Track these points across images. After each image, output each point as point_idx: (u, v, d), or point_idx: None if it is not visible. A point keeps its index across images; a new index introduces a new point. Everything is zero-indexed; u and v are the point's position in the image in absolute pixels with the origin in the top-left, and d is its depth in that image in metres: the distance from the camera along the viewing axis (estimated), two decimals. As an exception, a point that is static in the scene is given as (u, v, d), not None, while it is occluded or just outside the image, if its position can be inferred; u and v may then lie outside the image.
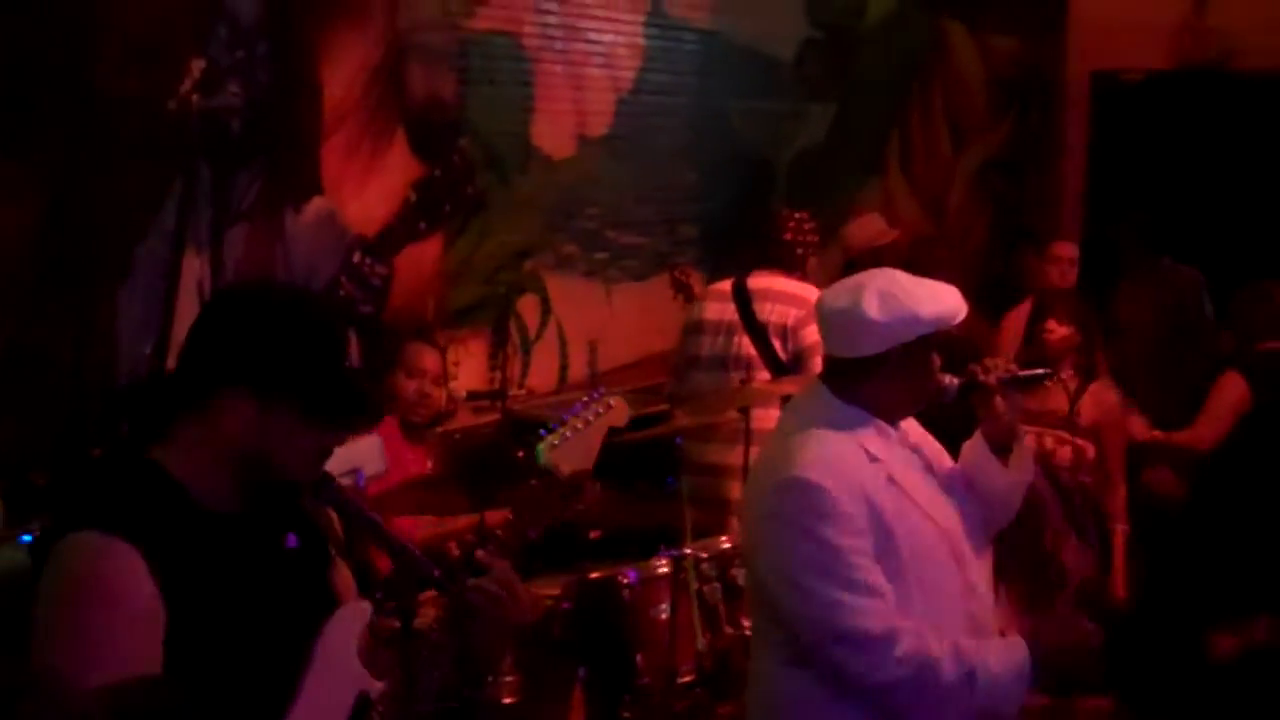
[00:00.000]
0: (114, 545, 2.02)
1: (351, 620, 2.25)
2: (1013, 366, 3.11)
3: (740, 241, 6.78)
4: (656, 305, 6.53)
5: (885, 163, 8.27)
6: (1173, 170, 8.98)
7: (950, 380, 3.06)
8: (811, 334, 5.00)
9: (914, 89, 8.46)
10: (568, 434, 2.68)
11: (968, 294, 3.05)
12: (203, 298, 4.81)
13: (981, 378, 3.06)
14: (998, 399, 3.05)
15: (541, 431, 2.66)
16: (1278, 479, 5.40)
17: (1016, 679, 2.84)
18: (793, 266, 5.26)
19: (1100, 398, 5.09)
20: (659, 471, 4.95)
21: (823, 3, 7.63)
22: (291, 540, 2.28)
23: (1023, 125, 9.27)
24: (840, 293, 2.98)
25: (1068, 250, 6.60)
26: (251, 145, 4.96)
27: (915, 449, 3.06)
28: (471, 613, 2.26)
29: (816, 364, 4.92)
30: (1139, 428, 5.73)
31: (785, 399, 4.89)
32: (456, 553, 4.12)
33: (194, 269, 4.80)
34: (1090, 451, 5.00)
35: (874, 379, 2.94)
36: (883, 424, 2.97)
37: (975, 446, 3.11)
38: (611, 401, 2.79)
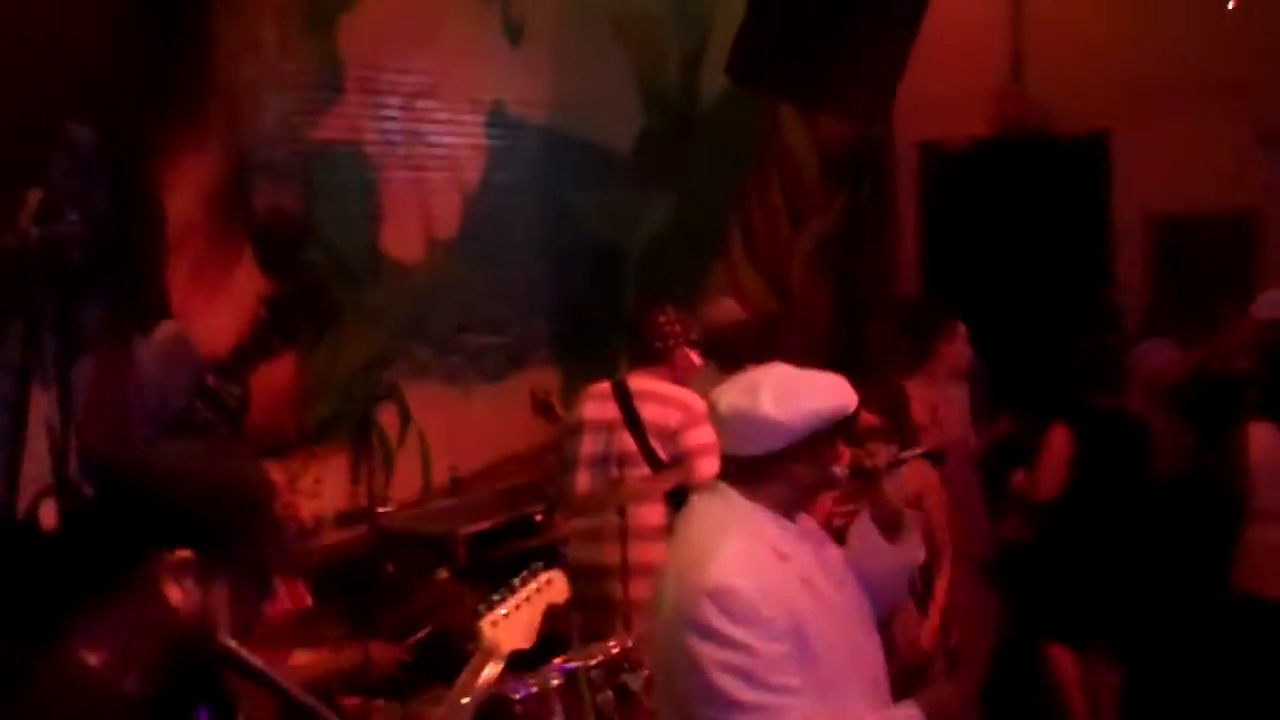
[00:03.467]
0: None
1: None
2: (894, 449, 3.17)
3: (592, 334, 6.82)
4: (515, 405, 6.49)
5: (728, 246, 8.36)
6: (1001, 233, 9.27)
7: (840, 469, 3.10)
8: (694, 438, 4.99)
9: (750, 172, 8.58)
10: (508, 611, 2.65)
11: (818, 368, 3.10)
12: (52, 434, 4.65)
13: (868, 463, 3.10)
14: (884, 482, 3.11)
15: (479, 609, 2.63)
16: (1106, 524, 5.67)
17: None
18: (663, 360, 5.26)
19: (919, 469, 5.20)
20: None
21: (657, 91, 7.72)
22: (203, 715, 2.19)
23: (856, 199, 9.47)
24: (735, 392, 3.00)
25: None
26: (94, 273, 4.82)
27: (809, 541, 3.09)
28: None
29: (699, 467, 4.92)
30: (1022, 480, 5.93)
31: (668, 495, 4.92)
32: None
33: (41, 405, 4.63)
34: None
35: (774, 475, 2.97)
36: (784, 520, 2.99)
37: (863, 529, 3.16)
38: (550, 576, 2.78)
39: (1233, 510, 5.25)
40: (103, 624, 2.04)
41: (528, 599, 2.74)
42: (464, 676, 2.54)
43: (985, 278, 9.07)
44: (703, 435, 5.01)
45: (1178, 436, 6.56)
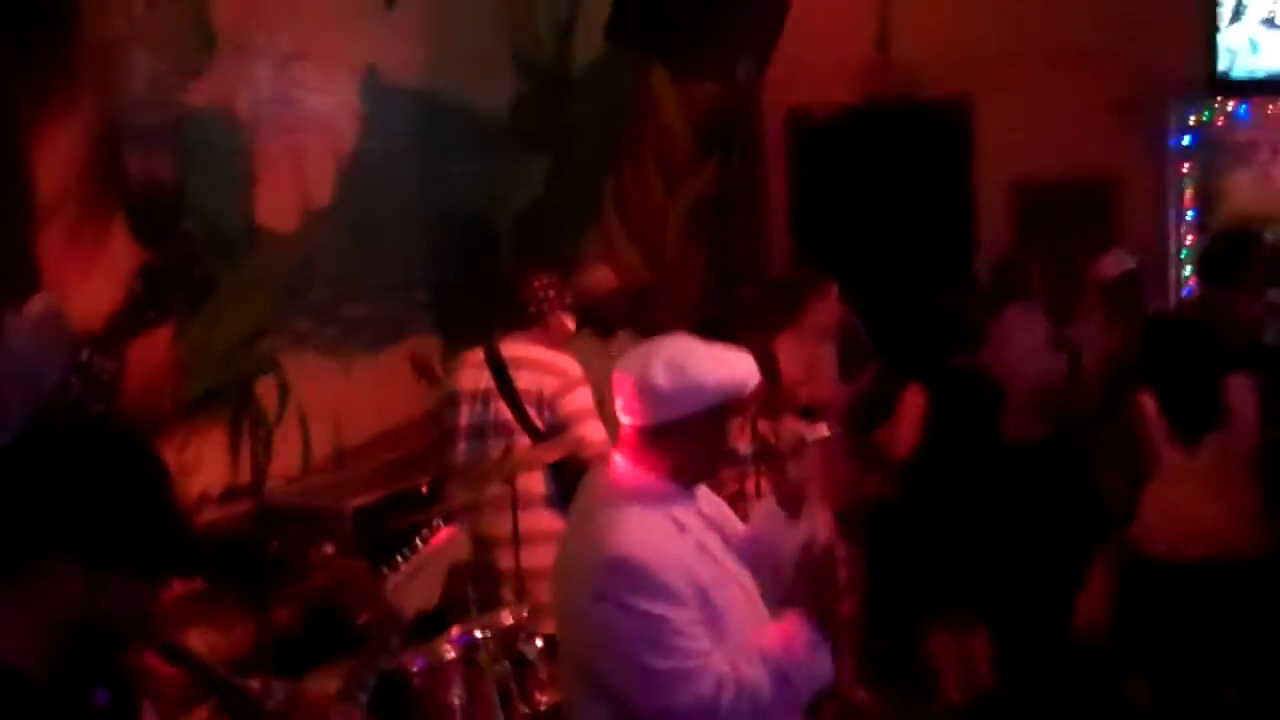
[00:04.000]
0: None
1: None
2: (806, 432, 3.20)
3: (473, 303, 6.77)
4: (396, 377, 6.42)
5: (603, 212, 8.35)
6: (868, 198, 9.41)
7: (744, 446, 3.13)
8: (570, 404, 5.00)
9: (623, 137, 8.57)
10: (410, 572, 2.62)
11: (690, 334, 3.11)
12: (-78, 413, 4.48)
13: (772, 444, 3.13)
14: (789, 464, 3.13)
15: (384, 570, 2.60)
16: (958, 481, 5.82)
17: (814, 650, 2.95)
18: (535, 325, 5.24)
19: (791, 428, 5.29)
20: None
21: (530, 56, 7.66)
22: (101, 697, 2.14)
23: (726, 165, 9.51)
24: (631, 362, 3.00)
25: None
26: (-38, 244, 4.65)
27: (707, 514, 3.11)
28: None
29: (579, 431, 4.92)
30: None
31: (551, 466, 4.91)
32: None
33: (-90, 382, 4.46)
34: None
35: (667, 447, 2.98)
36: (683, 490, 3.01)
37: (767, 509, 3.18)
38: (449, 534, 2.75)
39: (1088, 470, 5.40)
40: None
41: (429, 559, 2.71)
42: (368, 644, 2.51)
43: (852, 242, 9.20)
44: (580, 399, 5.03)
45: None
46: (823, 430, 3.33)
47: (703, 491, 3.19)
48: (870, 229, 9.35)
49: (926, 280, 8.96)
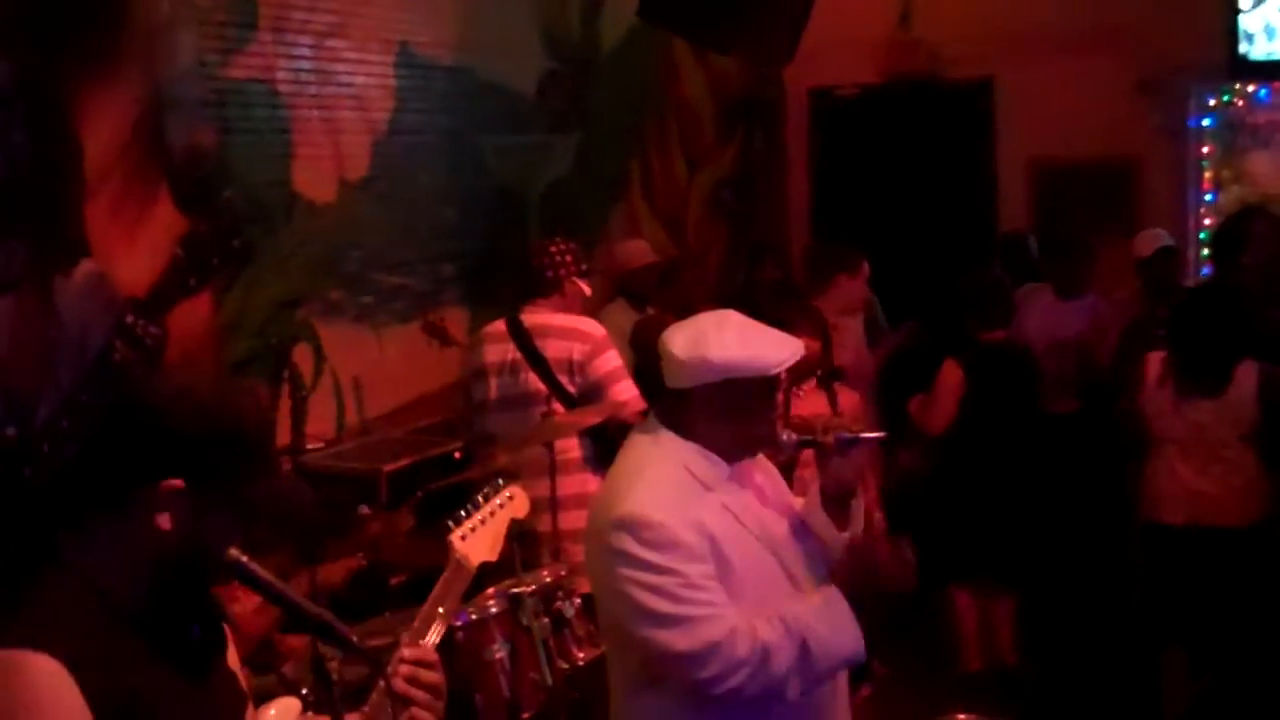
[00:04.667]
0: (40, 661, 1.97)
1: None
2: (852, 426, 3.23)
3: (500, 276, 6.88)
4: (424, 347, 6.52)
5: (628, 189, 8.45)
6: (889, 177, 9.49)
7: (789, 436, 3.18)
8: (601, 365, 5.10)
9: (649, 117, 8.67)
10: (475, 525, 2.73)
11: (712, 308, 3.19)
12: (-28, 375, 4.60)
13: (819, 438, 3.17)
14: (835, 458, 3.17)
15: (449, 524, 2.70)
16: (993, 456, 5.89)
17: (844, 629, 2.99)
18: (554, 292, 5.31)
19: (849, 397, 5.37)
20: (451, 510, 4.97)
21: (559, 34, 7.76)
22: (195, 631, 2.25)
23: (749, 144, 9.61)
24: (675, 326, 3.10)
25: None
26: (12, 212, 4.75)
27: (758, 489, 3.17)
28: (405, 701, 2.27)
29: (614, 392, 5.02)
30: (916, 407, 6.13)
31: (590, 429, 5.01)
32: None
33: (-38, 344, 4.58)
34: None
35: (688, 414, 3.05)
36: (714, 456, 3.06)
37: (811, 502, 3.18)
38: (511, 492, 2.86)
39: (1126, 441, 5.49)
40: (98, 543, 2.11)
41: (492, 514, 2.82)
42: (437, 590, 2.61)
43: (873, 221, 9.27)
44: (610, 360, 5.12)
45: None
46: (877, 434, 3.33)
47: (760, 465, 3.23)
48: (891, 208, 9.43)
49: (947, 259, 9.09)
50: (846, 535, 3.16)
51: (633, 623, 2.95)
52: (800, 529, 3.16)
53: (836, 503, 3.14)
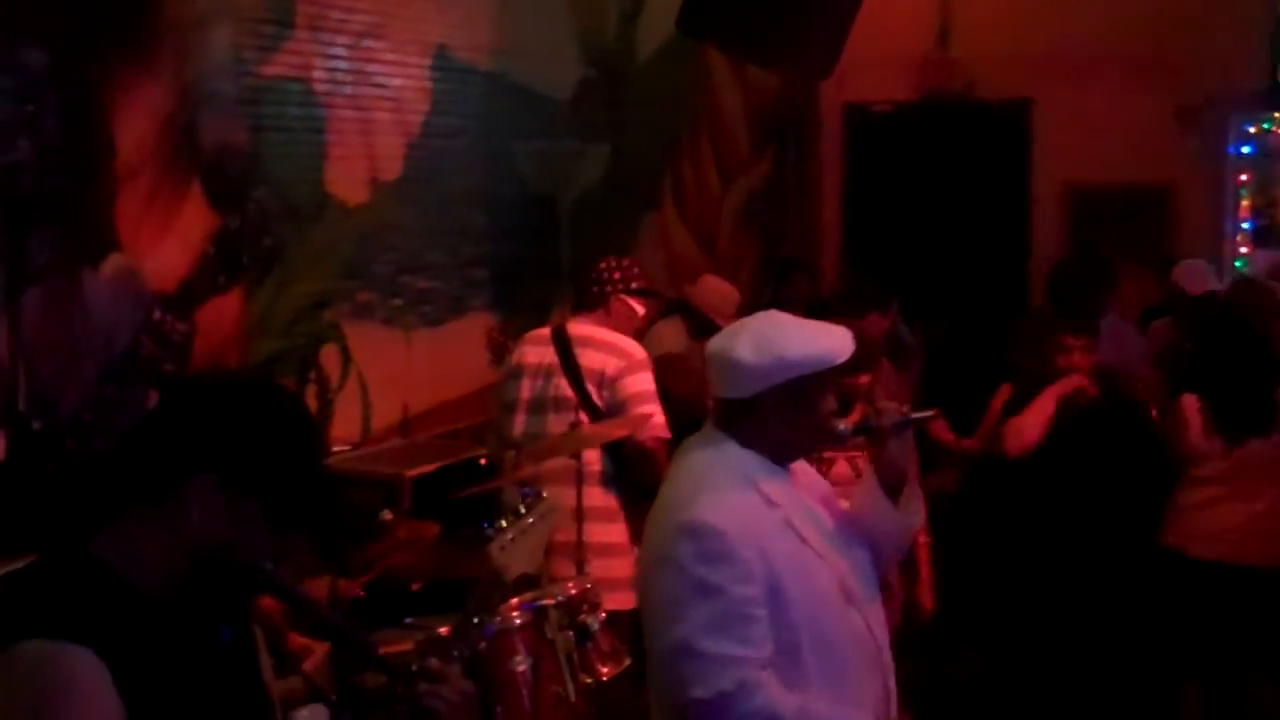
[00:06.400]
0: (76, 654, 1.92)
1: None
2: (904, 409, 3.19)
3: (530, 281, 6.85)
4: (453, 351, 6.50)
5: (660, 199, 8.41)
6: (922, 196, 9.43)
7: (845, 424, 3.14)
8: (631, 385, 5.05)
9: (683, 128, 8.63)
10: (515, 536, 2.69)
11: None
12: (1, 365, 4.57)
13: (875, 421, 3.13)
14: (891, 442, 3.13)
15: (485, 529, 2.66)
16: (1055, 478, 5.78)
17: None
18: (599, 307, 5.29)
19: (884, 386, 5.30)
20: (476, 518, 4.93)
21: (595, 42, 7.73)
22: (227, 633, 2.21)
23: (783, 158, 9.56)
24: (723, 336, 3.05)
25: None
26: (44, 203, 4.72)
27: (807, 491, 3.13)
28: (429, 718, 2.23)
29: (638, 413, 4.97)
30: (942, 431, 6.03)
31: (609, 446, 4.96)
32: None
33: (-10, 335, 4.54)
34: None
35: (755, 420, 3.00)
36: (775, 466, 3.03)
37: (868, 488, 3.16)
38: (552, 505, 2.83)
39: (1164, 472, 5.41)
40: (132, 538, 2.08)
41: (532, 525, 2.79)
42: (472, 600, 2.57)
43: (905, 240, 9.23)
44: (641, 382, 5.07)
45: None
46: (929, 411, 3.30)
47: (805, 471, 3.21)
48: (924, 227, 9.38)
49: (978, 280, 9.03)
50: (905, 519, 3.15)
51: (658, 632, 2.90)
52: (852, 534, 3.12)
53: (892, 488, 3.12)
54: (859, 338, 3.12)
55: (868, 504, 3.14)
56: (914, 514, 3.22)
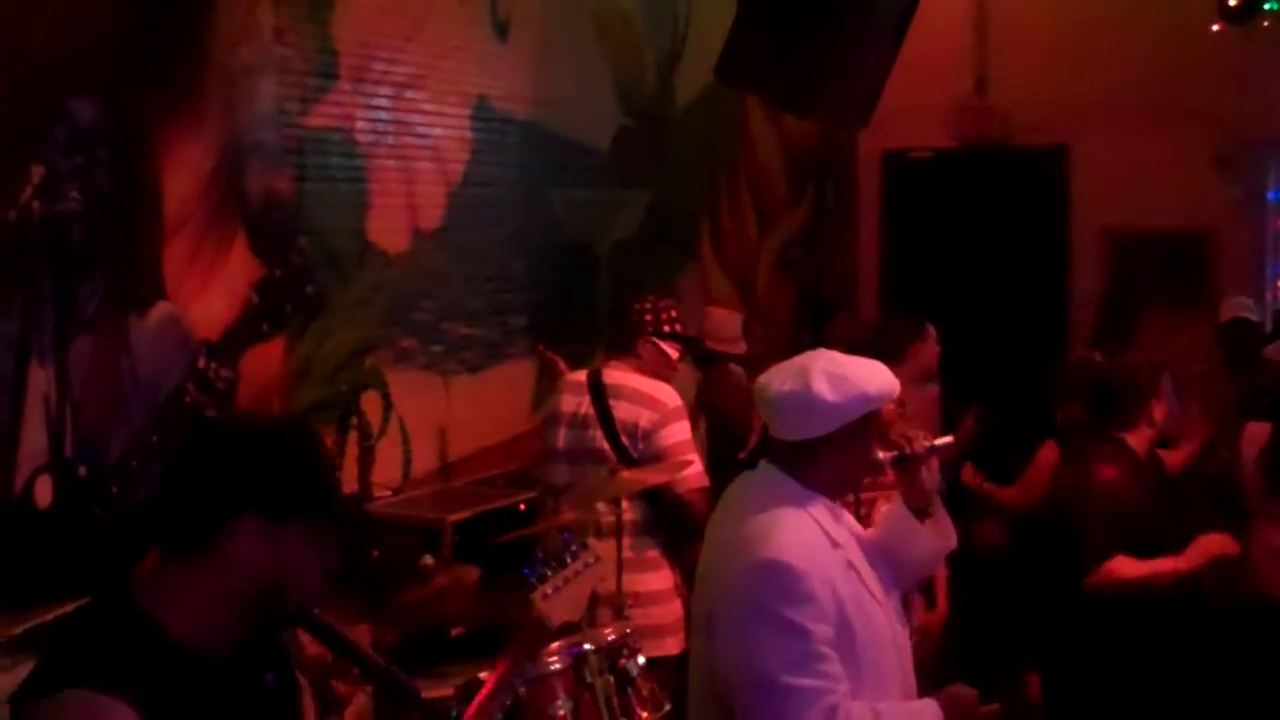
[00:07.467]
0: (113, 706, 1.95)
1: None
2: (929, 437, 3.24)
3: (569, 329, 6.89)
4: (493, 397, 6.55)
5: (699, 246, 8.46)
6: (960, 242, 9.44)
7: (884, 454, 3.18)
8: (666, 437, 5.01)
9: (720, 175, 8.69)
10: (559, 585, 2.72)
11: None
12: (49, 412, 4.64)
13: (909, 450, 3.18)
14: (922, 468, 3.18)
15: (528, 576, 2.69)
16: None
17: None
18: (629, 350, 5.26)
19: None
20: (516, 563, 4.94)
21: (634, 91, 7.80)
22: (270, 678, 2.24)
23: (821, 204, 9.60)
24: (785, 376, 3.05)
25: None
26: (93, 252, 4.80)
27: (853, 530, 3.18)
28: None
29: (675, 465, 4.96)
30: (969, 476, 6.01)
31: (646, 494, 4.97)
32: None
33: (40, 381, 4.61)
34: None
35: (826, 459, 3.04)
36: (834, 506, 3.07)
37: (897, 513, 3.22)
38: (597, 554, 2.87)
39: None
40: (180, 588, 2.09)
41: (576, 574, 2.82)
42: (513, 648, 2.60)
43: (944, 287, 9.23)
44: (676, 433, 5.05)
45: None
46: (948, 438, 3.37)
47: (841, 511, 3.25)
48: (962, 273, 9.38)
49: (1017, 327, 9.01)
50: (935, 542, 3.23)
51: (746, 685, 2.92)
52: (884, 572, 3.16)
53: (921, 511, 3.20)
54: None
55: (900, 530, 3.18)
56: (944, 535, 3.26)
